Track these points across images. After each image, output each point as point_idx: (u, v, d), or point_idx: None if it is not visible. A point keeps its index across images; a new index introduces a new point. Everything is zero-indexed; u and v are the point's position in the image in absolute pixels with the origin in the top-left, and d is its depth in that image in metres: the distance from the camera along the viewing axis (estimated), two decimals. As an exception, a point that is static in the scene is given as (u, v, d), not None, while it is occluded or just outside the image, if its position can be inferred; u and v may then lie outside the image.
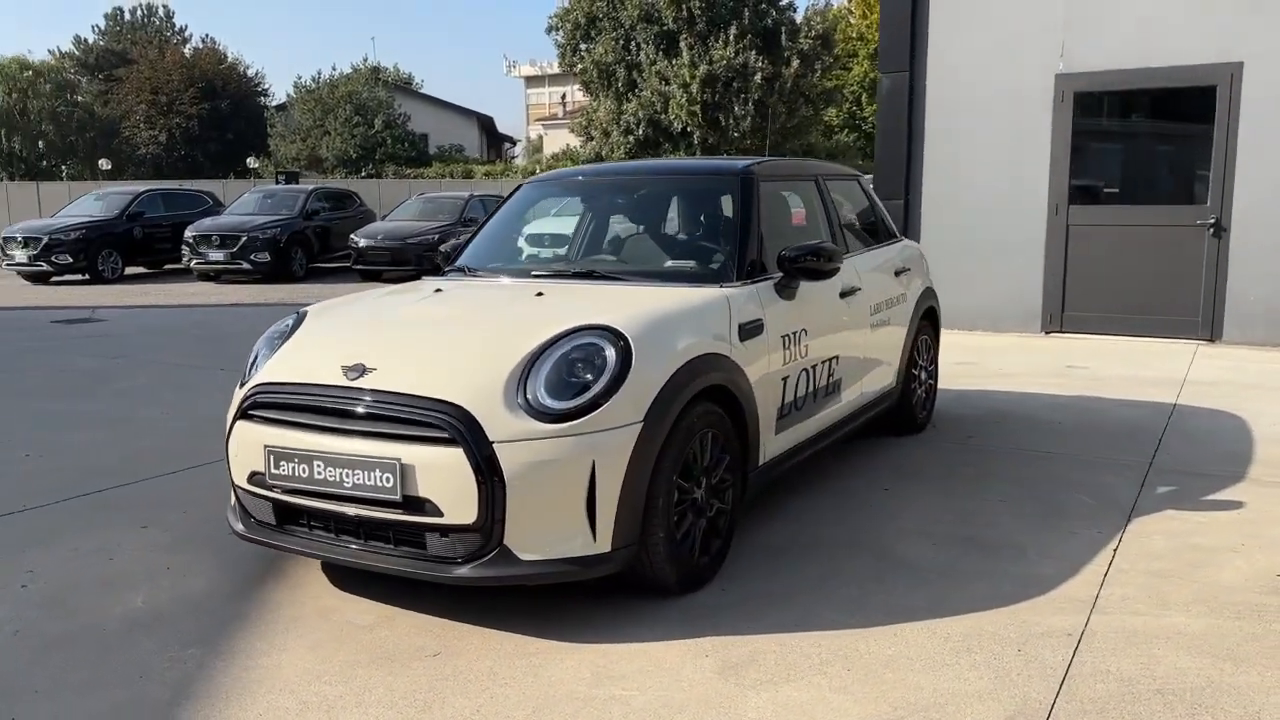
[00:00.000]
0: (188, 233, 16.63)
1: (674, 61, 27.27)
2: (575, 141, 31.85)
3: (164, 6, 43.71)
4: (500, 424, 2.90)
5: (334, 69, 43.66)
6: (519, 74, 56.26)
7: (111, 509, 4.34)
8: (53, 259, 16.32)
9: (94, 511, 4.31)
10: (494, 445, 2.87)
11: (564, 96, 45.66)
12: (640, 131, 28.00)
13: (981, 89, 9.09)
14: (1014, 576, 3.43)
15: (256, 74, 42.97)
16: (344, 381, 3.11)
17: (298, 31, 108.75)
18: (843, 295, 4.36)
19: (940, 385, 6.58)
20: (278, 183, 20.40)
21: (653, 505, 3.07)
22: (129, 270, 17.65)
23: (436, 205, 17.74)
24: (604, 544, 2.97)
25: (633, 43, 28.28)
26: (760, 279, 3.85)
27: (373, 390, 3.04)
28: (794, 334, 3.89)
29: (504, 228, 4.58)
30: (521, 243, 4.68)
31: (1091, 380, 6.87)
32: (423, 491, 2.91)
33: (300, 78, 45.20)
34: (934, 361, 5.65)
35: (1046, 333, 9.02)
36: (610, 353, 3.06)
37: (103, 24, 44.77)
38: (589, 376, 3.02)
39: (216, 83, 38.80)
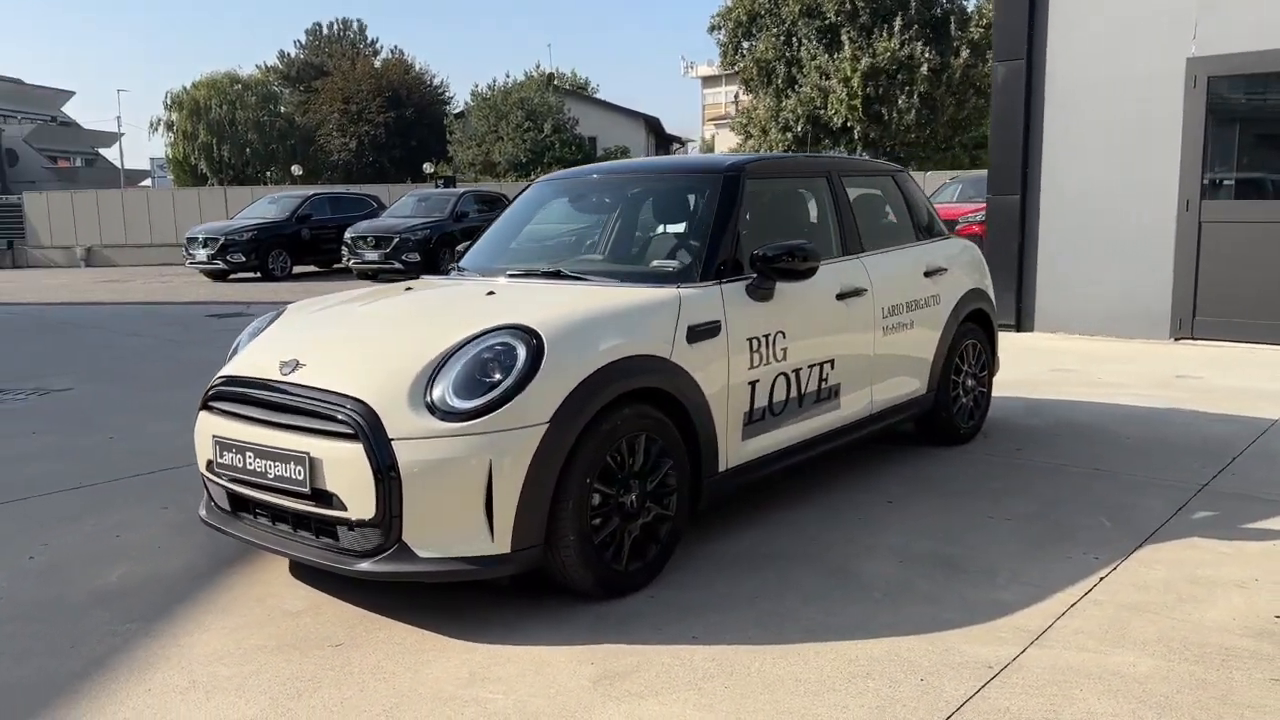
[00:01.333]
0: (347, 234, 17.63)
1: (835, 56, 26.71)
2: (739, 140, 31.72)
3: (358, 20, 46.49)
4: (401, 421, 2.94)
5: (508, 76, 45.15)
6: (695, 75, 56.61)
7: (147, 490, 4.67)
8: (228, 258, 17.74)
9: (132, 492, 4.65)
10: (392, 442, 2.91)
11: (735, 96, 45.51)
12: (799, 128, 27.58)
13: (1104, 76, 8.44)
14: (966, 601, 3.17)
15: (441, 83, 44.97)
16: (277, 376, 3.23)
17: (481, 41, 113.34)
18: (841, 297, 4.16)
19: (1021, 394, 6.21)
20: (436, 187, 21.30)
21: (561, 508, 3.03)
22: (298, 269, 18.95)
23: (577, 206, 18.08)
24: (503, 544, 2.96)
25: (793, 38, 27.89)
26: (730, 280, 3.72)
27: (293, 384, 3.15)
28: (766, 337, 3.74)
29: (508, 228, 4.62)
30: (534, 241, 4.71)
31: (1195, 392, 6.26)
32: (329, 485, 2.99)
33: (478, 85, 46.99)
34: (985, 368, 5.28)
35: (1175, 339, 8.28)
36: (521, 352, 3.04)
37: (303, 39, 48.15)
38: (498, 376, 3.01)
39: (402, 92, 40.88)
